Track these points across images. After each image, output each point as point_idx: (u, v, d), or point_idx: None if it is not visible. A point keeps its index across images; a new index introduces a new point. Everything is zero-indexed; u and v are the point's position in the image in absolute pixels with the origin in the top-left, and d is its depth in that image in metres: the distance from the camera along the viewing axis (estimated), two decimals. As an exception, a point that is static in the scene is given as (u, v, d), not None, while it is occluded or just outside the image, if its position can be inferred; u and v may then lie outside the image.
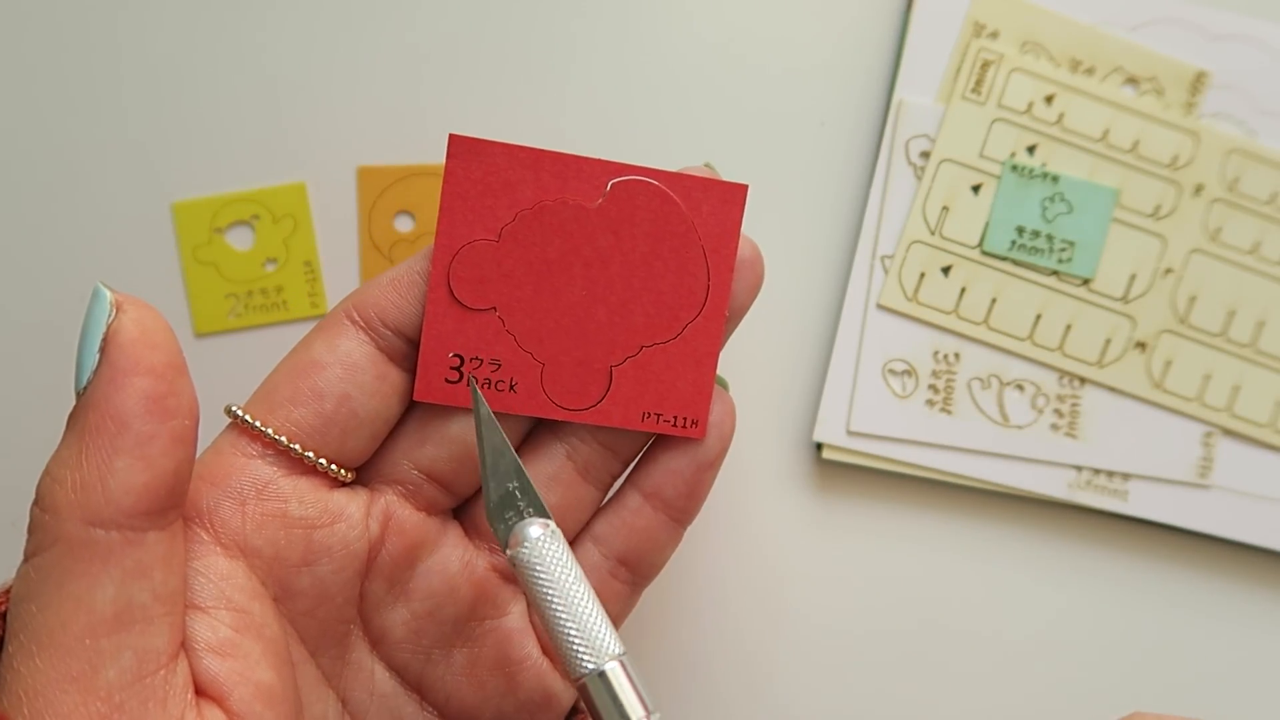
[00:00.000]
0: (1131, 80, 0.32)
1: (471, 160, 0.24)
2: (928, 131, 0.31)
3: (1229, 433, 0.32)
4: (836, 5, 0.32)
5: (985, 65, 0.31)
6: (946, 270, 0.32)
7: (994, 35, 0.31)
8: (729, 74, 0.32)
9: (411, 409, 0.25)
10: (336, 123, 0.31)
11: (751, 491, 0.32)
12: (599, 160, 0.24)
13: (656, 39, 0.32)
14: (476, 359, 0.25)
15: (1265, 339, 0.32)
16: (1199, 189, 0.32)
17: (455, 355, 0.25)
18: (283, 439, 0.23)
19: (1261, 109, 0.32)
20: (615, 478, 0.26)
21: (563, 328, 0.25)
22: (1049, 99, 0.31)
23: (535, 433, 0.26)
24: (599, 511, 0.26)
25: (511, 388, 0.25)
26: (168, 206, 0.31)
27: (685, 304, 0.25)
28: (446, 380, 0.24)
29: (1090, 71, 0.31)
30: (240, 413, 0.24)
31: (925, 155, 0.32)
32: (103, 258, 0.31)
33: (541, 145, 0.31)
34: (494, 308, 0.25)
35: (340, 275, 0.32)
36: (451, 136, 0.24)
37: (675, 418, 0.26)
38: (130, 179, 0.31)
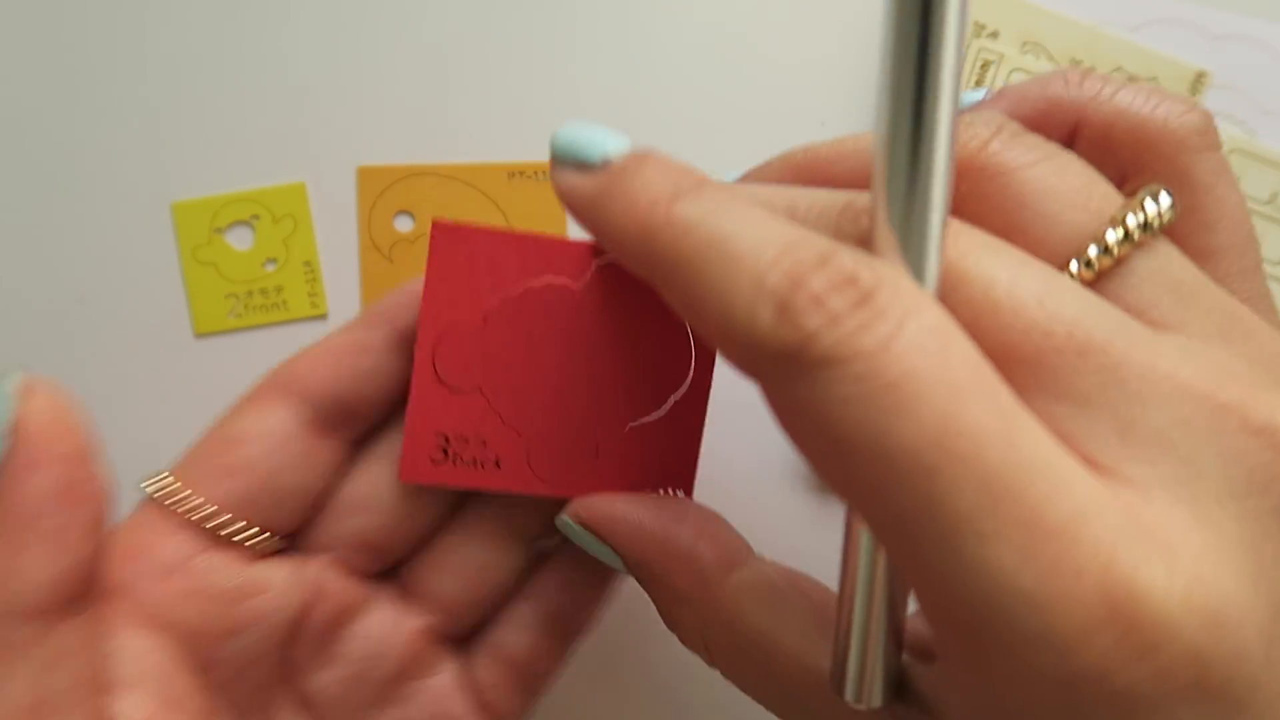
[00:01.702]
0: (1132, 80, 0.32)
1: (456, 244, 0.24)
2: (928, 131, 0.31)
3: (1229, 433, 0.32)
4: (836, 5, 0.32)
5: (985, 65, 0.31)
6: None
7: (994, 35, 0.31)
8: (729, 74, 0.32)
9: (344, 475, 0.24)
10: (336, 123, 0.31)
11: (753, 491, 0.32)
12: (584, 243, 0.24)
13: (656, 40, 0.32)
14: (462, 438, 0.24)
15: (1265, 339, 0.32)
16: (1199, 189, 0.32)
17: (441, 435, 0.24)
18: (206, 511, 0.23)
19: (1261, 109, 0.32)
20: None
21: (548, 406, 0.25)
22: (1049, 99, 0.31)
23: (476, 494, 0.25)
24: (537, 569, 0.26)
25: (497, 465, 0.25)
26: (168, 206, 0.31)
27: (669, 380, 0.25)
28: (432, 460, 0.24)
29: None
30: (159, 487, 0.23)
31: (925, 155, 0.32)
32: (103, 258, 0.31)
33: (540, 143, 0.32)
34: (479, 388, 0.24)
35: (340, 275, 0.32)
36: (434, 223, 0.24)
37: (661, 492, 0.25)
38: (130, 179, 0.31)
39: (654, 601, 0.24)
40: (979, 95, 0.22)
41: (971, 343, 0.16)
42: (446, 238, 0.24)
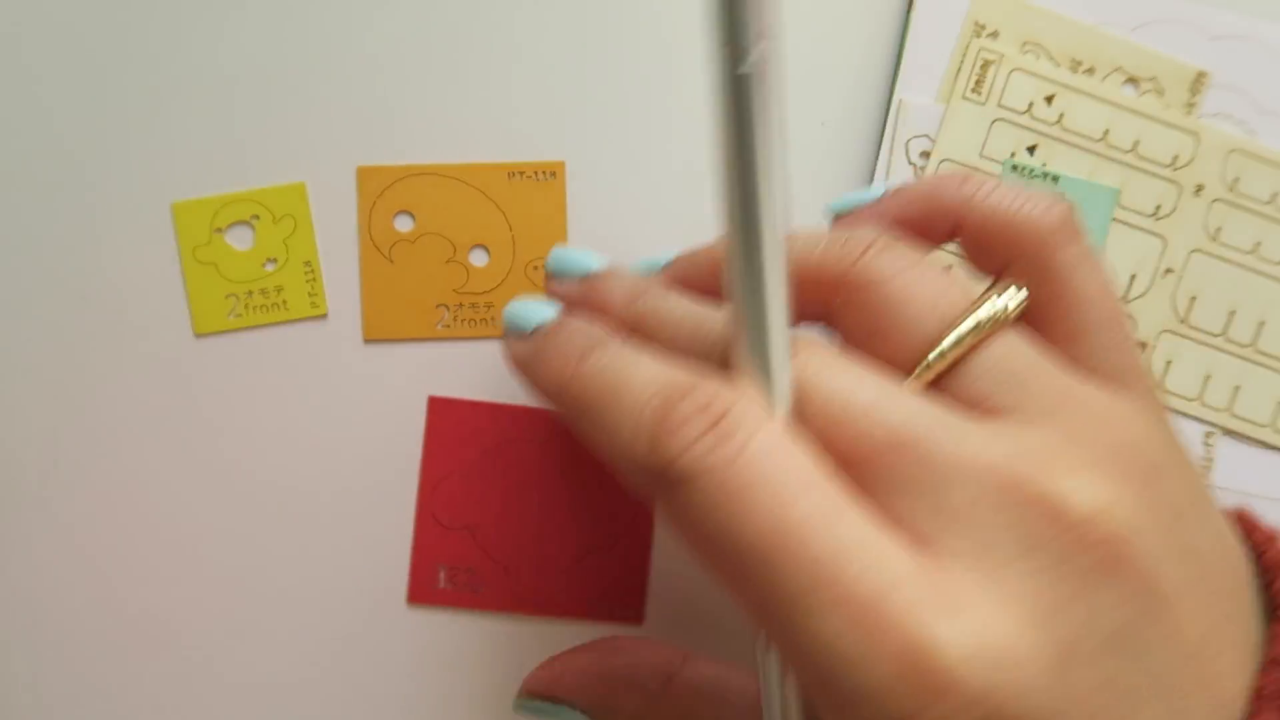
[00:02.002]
0: (1132, 80, 0.32)
1: (446, 414, 0.31)
2: (928, 131, 0.31)
3: (1229, 433, 0.32)
4: (837, 5, 0.32)
5: (985, 65, 0.31)
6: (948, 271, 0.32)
7: (994, 35, 0.31)
8: (729, 74, 0.32)
9: None
10: (336, 123, 0.31)
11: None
12: (549, 409, 0.30)
13: (657, 39, 0.32)
14: (455, 567, 0.31)
15: (1265, 339, 0.32)
16: (1199, 189, 0.32)
17: (439, 566, 0.31)
18: None
19: (1261, 109, 0.32)
20: None
21: (523, 541, 0.31)
22: (1049, 99, 0.31)
23: None
24: None
25: (483, 590, 0.31)
26: (168, 206, 0.31)
27: (618, 518, 0.31)
28: (432, 587, 0.31)
29: (1090, 71, 0.31)
30: None
31: (926, 155, 0.32)
32: (103, 258, 0.31)
33: (540, 143, 0.31)
34: (468, 527, 0.31)
35: (340, 275, 0.32)
36: (430, 399, 0.31)
37: (615, 609, 0.31)
38: (130, 179, 0.31)
39: None
40: (878, 191, 0.25)
41: (806, 452, 0.20)
42: (439, 409, 0.31)
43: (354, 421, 0.32)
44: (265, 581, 0.32)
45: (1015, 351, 0.22)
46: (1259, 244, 0.32)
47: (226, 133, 0.31)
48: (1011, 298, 0.22)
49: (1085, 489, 0.20)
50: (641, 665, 0.27)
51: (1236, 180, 0.31)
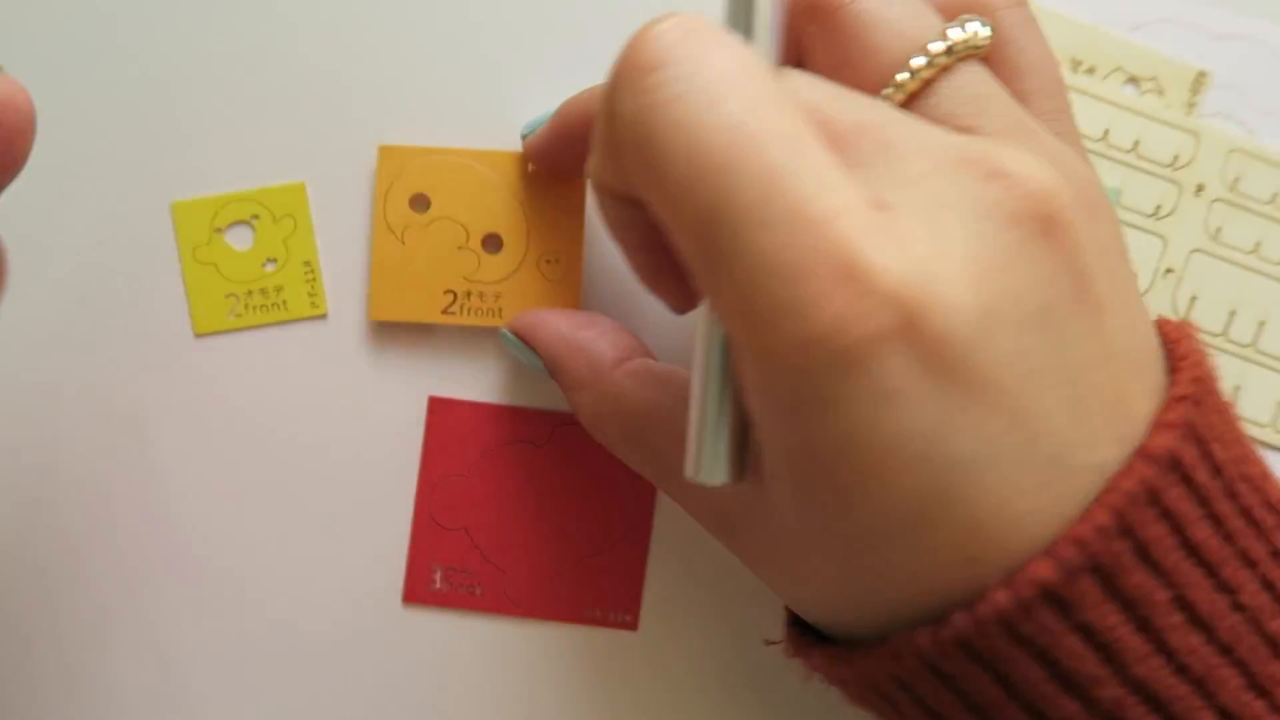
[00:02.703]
0: (1132, 80, 0.32)
1: (446, 415, 0.31)
2: (929, 131, 0.32)
3: (1230, 432, 0.32)
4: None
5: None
6: None
7: (994, 36, 0.32)
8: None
9: None
10: (337, 123, 0.31)
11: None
12: (548, 411, 0.31)
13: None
14: (451, 568, 0.31)
15: (1265, 339, 0.32)
16: (1199, 189, 0.32)
17: (435, 566, 0.31)
18: None
19: (1261, 109, 0.32)
20: None
21: (519, 543, 0.31)
22: (1049, 99, 0.31)
23: None
24: None
25: (478, 591, 0.31)
26: (168, 206, 0.31)
27: (615, 523, 0.31)
28: (428, 586, 0.31)
29: (1091, 71, 0.32)
30: None
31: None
32: (103, 258, 0.31)
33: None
34: (465, 528, 0.31)
35: (340, 274, 0.32)
36: (431, 399, 0.31)
37: (610, 615, 0.31)
38: (130, 179, 0.31)
39: (563, 391, 0.29)
40: None
41: (782, 90, 0.20)
42: (439, 408, 0.31)
43: (354, 421, 0.31)
44: (262, 580, 0.31)
45: (980, 78, 0.23)
46: (1259, 244, 0.32)
47: (226, 133, 0.31)
48: (979, 29, 0.23)
49: (1041, 170, 0.21)
50: (604, 345, 0.28)
51: (1237, 180, 0.32)
